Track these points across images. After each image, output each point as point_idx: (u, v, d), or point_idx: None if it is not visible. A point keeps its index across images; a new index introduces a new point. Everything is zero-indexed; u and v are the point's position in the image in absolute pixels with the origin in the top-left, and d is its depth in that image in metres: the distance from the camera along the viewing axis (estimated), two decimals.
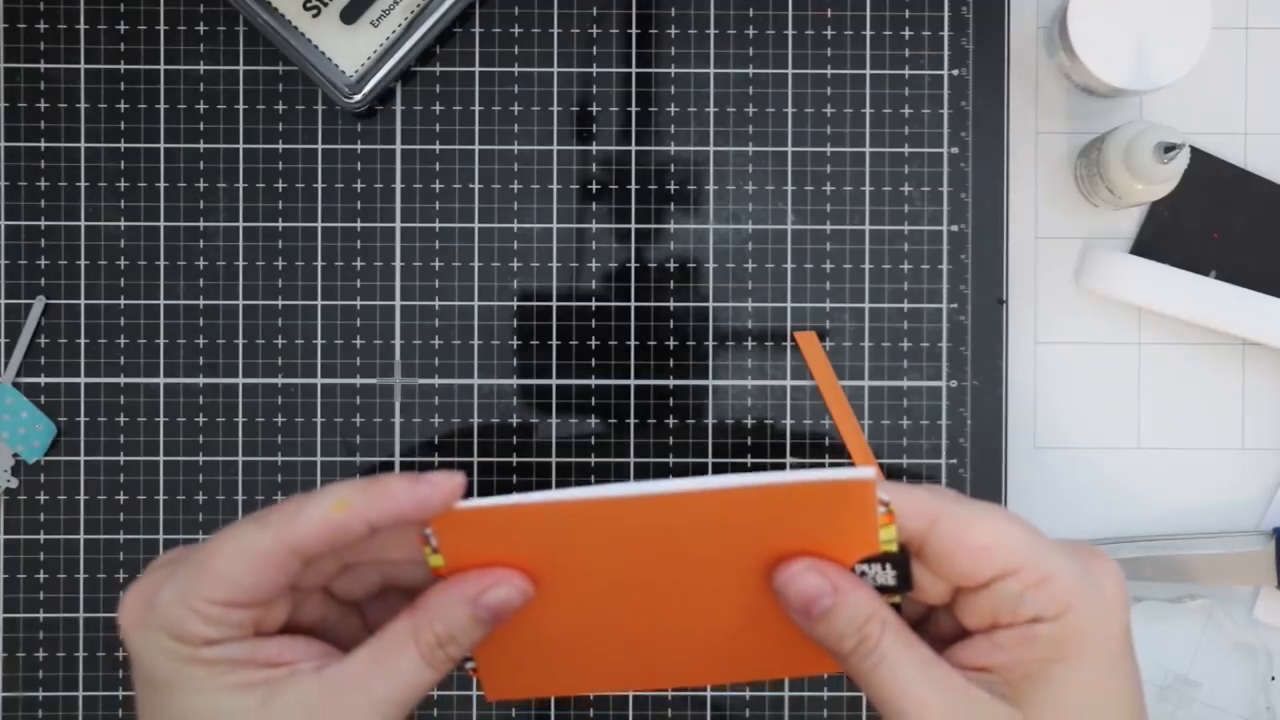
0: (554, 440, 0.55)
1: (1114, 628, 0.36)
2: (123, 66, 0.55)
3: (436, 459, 0.55)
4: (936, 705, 0.36)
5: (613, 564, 0.40)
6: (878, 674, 0.36)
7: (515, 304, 0.55)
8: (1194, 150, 0.55)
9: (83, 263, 0.55)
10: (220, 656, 0.37)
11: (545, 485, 0.55)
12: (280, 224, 0.55)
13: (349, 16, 0.53)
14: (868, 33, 0.55)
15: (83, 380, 0.55)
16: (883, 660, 0.36)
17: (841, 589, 0.37)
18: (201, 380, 0.55)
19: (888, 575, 0.39)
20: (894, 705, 0.36)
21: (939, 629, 0.39)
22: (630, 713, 0.55)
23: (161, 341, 0.55)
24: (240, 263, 0.55)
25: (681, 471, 0.55)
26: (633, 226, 0.55)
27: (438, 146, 0.55)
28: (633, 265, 0.55)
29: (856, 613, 0.37)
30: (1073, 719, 0.36)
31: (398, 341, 0.55)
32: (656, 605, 0.41)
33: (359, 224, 0.55)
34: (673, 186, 0.55)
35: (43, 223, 0.55)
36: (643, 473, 0.55)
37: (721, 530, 0.39)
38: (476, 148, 0.55)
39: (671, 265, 0.55)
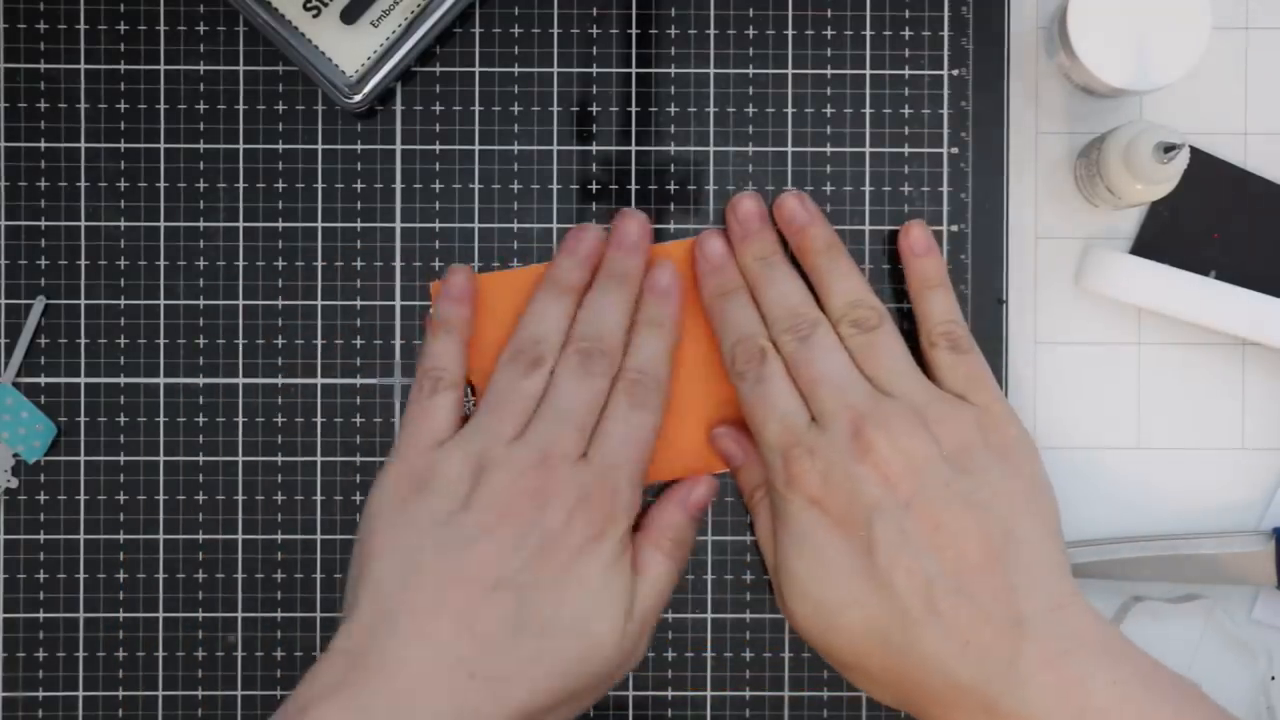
0: None
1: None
2: (123, 66, 0.55)
3: None
4: (779, 547, 0.50)
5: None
6: (754, 524, 0.52)
7: None
8: (1194, 150, 0.55)
9: (83, 263, 0.55)
10: None
11: None
12: (280, 224, 0.55)
13: (349, 17, 0.53)
14: (868, 33, 0.55)
15: (83, 380, 0.55)
16: (756, 516, 0.52)
17: (750, 455, 0.53)
18: (201, 380, 0.55)
19: None
20: (760, 544, 0.52)
21: None
22: (630, 713, 0.55)
23: (161, 341, 0.55)
24: (240, 263, 0.55)
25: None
26: None
27: (438, 146, 0.55)
28: None
29: (750, 477, 0.53)
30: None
31: (398, 341, 0.55)
32: None
33: (359, 224, 0.55)
34: (673, 186, 0.55)
35: (43, 223, 0.55)
36: None
37: None
38: (476, 148, 0.55)
39: None
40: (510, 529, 0.47)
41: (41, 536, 0.55)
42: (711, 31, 0.55)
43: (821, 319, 0.51)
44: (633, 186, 0.55)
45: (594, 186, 0.55)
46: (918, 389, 0.49)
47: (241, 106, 0.55)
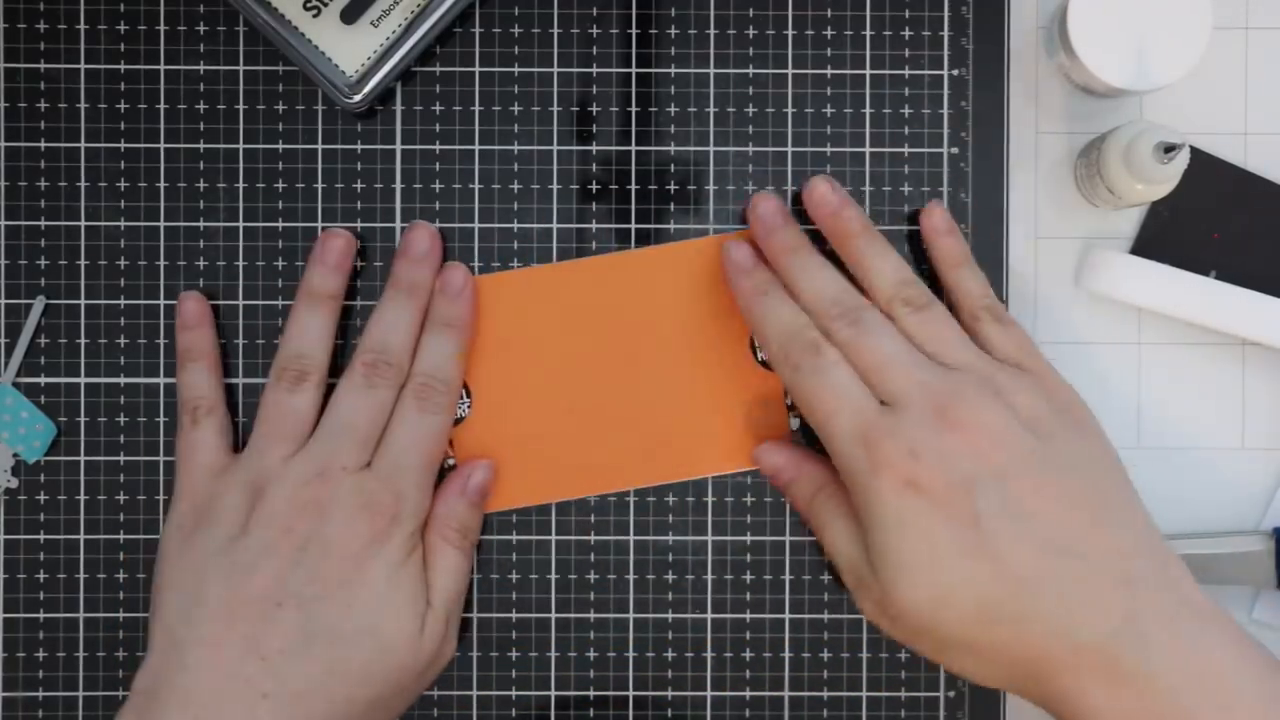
0: None
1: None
2: (123, 66, 0.55)
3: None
4: (874, 540, 0.47)
5: (572, 333, 0.54)
6: (820, 531, 0.51)
7: None
8: (1194, 150, 0.55)
9: (83, 263, 0.55)
10: None
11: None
12: (280, 224, 0.55)
13: (349, 16, 0.53)
14: (868, 33, 0.55)
15: (83, 380, 0.55)
16: (821, 521, 0.51)
17: (801, 465, 0.52)
18: None
19: None
20: (831, 548, 0.50)
21: None
22: (630, 713, 0.55)
23: (161, 341, 0.55)
24: (240, 262, 0.55)
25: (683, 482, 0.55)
26: (633, 226, 0.55)
27: (438, 146, 0.55)
28: None
29: (804, 487, 0.51)
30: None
31: None
32: (605, 391, 0.54)
33: (359, 224, 0.55)
34: (673, 186, 0.55)
35: (43, 223, 0.55)
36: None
37: (650, 291, 0.54)
38: (476, 148, 0.55)
39: None
40: (290, 544, 0.48)
41: (41, 536, 0.55)
42: (711, 31, 0.55)
43: (866, 303, 0.50)
44: (633, 186, 0.55)
45: (594, 186, 0.55)
46: (979, 361, 0.49)
47: (241, 106, 0.55)
